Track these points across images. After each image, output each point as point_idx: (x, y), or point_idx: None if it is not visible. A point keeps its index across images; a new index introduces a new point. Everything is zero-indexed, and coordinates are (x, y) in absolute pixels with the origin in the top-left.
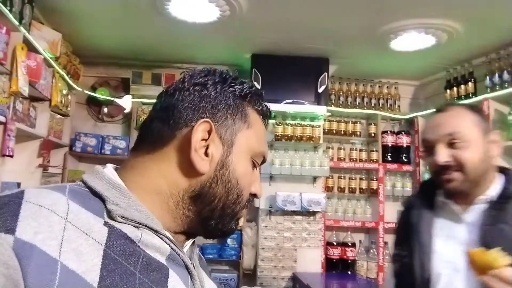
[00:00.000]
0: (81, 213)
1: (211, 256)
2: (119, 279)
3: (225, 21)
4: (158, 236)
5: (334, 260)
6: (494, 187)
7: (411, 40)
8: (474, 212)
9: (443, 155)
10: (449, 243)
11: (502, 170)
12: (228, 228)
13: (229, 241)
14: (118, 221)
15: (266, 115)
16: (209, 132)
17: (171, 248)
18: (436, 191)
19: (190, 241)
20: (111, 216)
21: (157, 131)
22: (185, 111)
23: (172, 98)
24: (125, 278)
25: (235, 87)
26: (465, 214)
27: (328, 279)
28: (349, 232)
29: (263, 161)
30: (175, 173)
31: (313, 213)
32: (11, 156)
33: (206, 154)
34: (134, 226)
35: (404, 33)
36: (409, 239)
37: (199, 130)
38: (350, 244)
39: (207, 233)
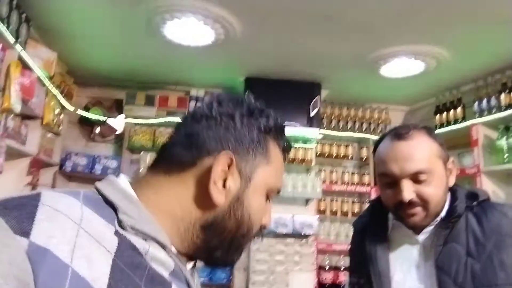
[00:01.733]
0: (94, 220)
1: (201, 279)
2: None
3: (220, 45)
4: (165, 251)
5: (327, 285)
6: (445, 207)
7: (401, 66)
8: (428, 233)
9: (409, 192)
10: (407, 268)
11: (450, 187)
12: (230, 259)
13: None
14: (128, 232)
15: (286, 150)
16: (229, 165)
17: (175, 263)
18: (388, 214)
19: (191, 264)
20: (121, 226)
21: (178, 155)
22: (208, 140)
23: (198, 125)
24: None
25: (260, 120)
26: (419, 236)
27: None
28: (342, 256)
29: (279, 191)
30: (190, 200)
31: (305, 236)
32: (0, 173)
33: (224, 186)
34: (143, 238)
35: (394, 58)
36: (365, 266)
37: (221, 162)
38: (342, 269)
39: (210, 261)
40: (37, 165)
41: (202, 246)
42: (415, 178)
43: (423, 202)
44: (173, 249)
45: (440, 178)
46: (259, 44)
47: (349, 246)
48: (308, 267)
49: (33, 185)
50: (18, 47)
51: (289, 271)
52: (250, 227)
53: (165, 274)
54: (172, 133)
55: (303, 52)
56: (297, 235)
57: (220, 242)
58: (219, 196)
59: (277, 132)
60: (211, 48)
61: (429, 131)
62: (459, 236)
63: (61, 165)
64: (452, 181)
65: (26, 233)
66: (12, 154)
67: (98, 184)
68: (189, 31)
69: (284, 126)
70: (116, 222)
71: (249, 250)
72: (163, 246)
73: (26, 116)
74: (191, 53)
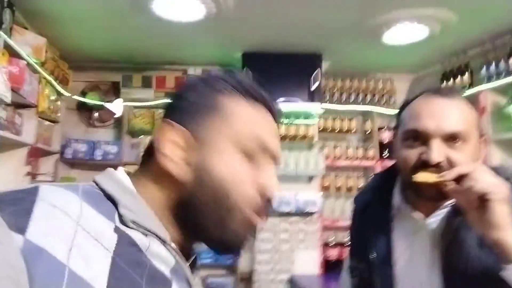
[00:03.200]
0: (93, 217)
1: (207, 261)
2: None
3: (212, 20)
4: (165, 247)
5: (332, 261)
6: None
7: (404, 32)
8: (437, 218)
9: (439, 153)
10: (411, 254)
11: None
12: (228, 241)
13: None
14: (129, 227)
15: (256, 98)
16: (183, 137)
17: (176, 260)
18: (393, 190)
19: (192, 256)
20: (122, 221)
21: (151, 143)
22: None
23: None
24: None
25: (215, 84)
26: (426, 221)
27: (326, 281)
28: (347, 232)
29: (273, 156)
30: (159, 185)
31: (309, 214)
32: None
33: (183, 160)
34: (143, 233)
35: (397, 24)
36: (365, 251)
37: (164, 131)
38: (347, 245)
39: (210, 245)
40: (36, 154)
41: (192, 229)
42: (449, 139)
43: (452, 167)
44: (173, 244)
45: (473, 149)
46: (254, 16)
47: (349, 226)
48: (313, 245)
49: (33, 174)
50: (2, 34)
51: (294, 249)
52: (225, 194)
53: (166, 271)
54: None
55: (301, 22)
56: (301, 213)
57: (203, 222)
58: (177, 170)
59: (236, 85)
60: (204, 23)
61: (468, 100)
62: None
63: (62, 153)
64: (482, 157)
65: (21, 230)
66: (8, 145)
67: (98, 178)
68: (179, 7)
69: (243, 77)
70: (116, 217)
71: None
72: (163, 242)
73: (19, 105)
74: (184, 30)
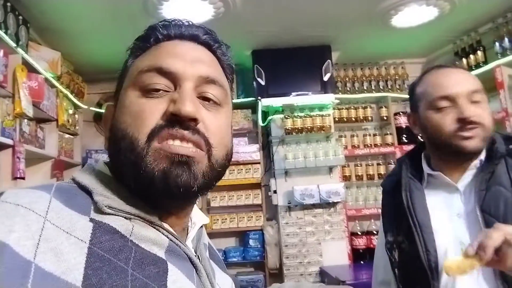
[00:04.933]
0: (62, 211)
1: (234, 259)
2: (107, 277)
3: (221, 19)
4: (154, 228)
5: (361, 250)
6: (483, 151)
7: (413, 15)
8: (467, 179)
9: (471, 110)
10: (448, 216)
11: None
12: (157, 177)
13: (251, 242)
14: (106, 213)
15: (145, 41)
16: (109, 112)
17: (170, 240)
18: (422, 164)
19: (193, 232)
20: (98, 209)
21: None
22: None
23: None
24: (114, 275)
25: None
26: (458, 183)
27: (356, 270)
28: (372, 220)
29: (169, 68)
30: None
31: (333, 204)
32: (23, 178)
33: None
34: (125, 217)
35: (405, 7)
36: (403, 222)
37: (104, 116)
38: (375, 232)
39: (150, 194)
40: (60, 167)
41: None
42: (472, 98)
43: (480, 122)
44: (165, 224)
45: (487, 106)
46: (261, 13)
47: (381, 208)
48: (340, 235)
49: None
50: (20, 50)
51: (321, 241)
52: (127, 135)
53: (160, 252)
54: None
55: (308, 15)
56: (325, 204)
57: (128, 177)
58: (105, 142)
59: (137, 43)
60: (213, 23)
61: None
62: (502, 178)
63: (83, 164)
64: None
65: None
66: (33, 159)
67: (75, 173)
68: (187, 9)
69: (145, 32)
70: (92, 207)
71: (279, 225)
72: (150, 223)
73: (40, 120)
74: None
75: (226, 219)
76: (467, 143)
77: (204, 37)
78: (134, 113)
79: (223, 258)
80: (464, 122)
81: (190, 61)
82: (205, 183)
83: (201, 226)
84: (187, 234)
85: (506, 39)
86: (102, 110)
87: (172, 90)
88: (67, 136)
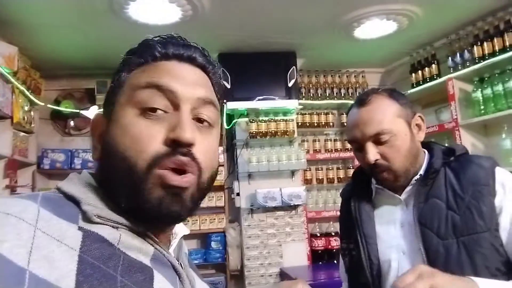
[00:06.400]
0: (52, 220)
1: (196, 261)
2: (98, 283)
3: (188, 22)
4: (140, 237)
5: (320, 251)
6: (423, 165)
7: (374, 27)
8: (409, 192)
9: (373, 154)
10: (392, 228)
11: (427, 145)
12: (152, 205)
13: (213, 244)
14: (94, 222)
15: (141, 53)
16: (98, 122)
17: (155, 248)
18: (369, 179)
19: (175, 241)
20: (86, 218)
21: None
22: None
23: None
24: (105, 282)
25: (120, 64)
26: (402, 195)
27: (315, 270)
28: (331, 222)
29: (168, 86)
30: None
31: (295, 207)
32: None
33: (97, 143)
34: (112, 226)
35: (367, 20)
36: (353, 231)
37: (92, 126)
38: (333, 234)
39: (140, 217)
40: (13, 166)
41: (124, 210)
42: (377, 140)
43: (388, 162)
44: (150, 233)
45: (402, 136)
46: (229, 17)
47: (339, 215)
48: (300, 237)
49: (12, 187)
50: None
51: (282, 242)
52: (127, 157)
53: (145, 260)
54: None
55: (275, 20)
56: (287, 207)
57: (120, 196)
58: (93, 153)
59: (133, 57)
60: (180, 25)
61: (390, 92)
62: (439, 191)
63: (39, 164)
64: (421, 136)
65: None
66: None
67: (60, 183)
68: (155, 10)
69: (142, 45)
70: (80, 216)
71: (241, 227)
72: (136, 232)
73: None
74: (159, 33)
75: (188, 221)
76: (383, 181)
77: (200, 59)
78: (133, 136)
79: None
80: (370, 166)
81: (189, 83)
82: (193, 206)
83: (182, 237)
84: (170, 243)
85: (458, 55)
86: (60, 108)
87: (171, 111)
88: (22, 134)
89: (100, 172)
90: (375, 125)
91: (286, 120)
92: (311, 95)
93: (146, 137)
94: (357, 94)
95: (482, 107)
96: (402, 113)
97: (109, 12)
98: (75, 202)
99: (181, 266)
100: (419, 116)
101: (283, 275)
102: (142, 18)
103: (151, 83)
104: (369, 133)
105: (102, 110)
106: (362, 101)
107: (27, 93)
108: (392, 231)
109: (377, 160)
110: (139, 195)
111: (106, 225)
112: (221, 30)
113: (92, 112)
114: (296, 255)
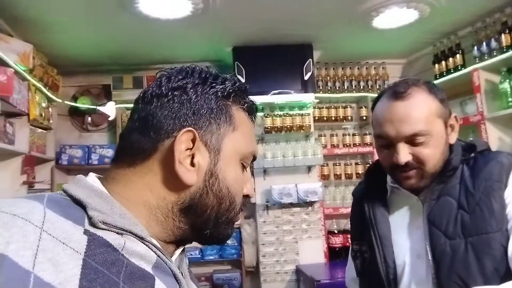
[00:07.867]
0: (58, 222)
1: (211, 257)
2: None
3: (200, 15)
4: (144, 244)
5: (337, 249)
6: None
7: (394, 16)
8: (427, 191)
9: (405, 155)
10: (407, 229)
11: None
12: (224, 235)
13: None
14: (100, 228)
15: (252, 111)
16: (193, 141)
17: (158, 256)
18: (384, 177)
19: (179, 250)
20: (92, 223)
21: (137, 144)
22: (165, 120)
23: (150, 106)
24: (107, 287)
25: (217, 87)
26: (420, 195)
27: (332, 268)
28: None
29: (253, 159)
30: (161, 187)
31: (311, 203)
32: None
33: (192, 164)
34: (117, 233)
35: (386, 9)
36: (366, 233)
37: (182, 140)
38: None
39: (202, 241)
40: (31, 162)
41: (188, 229)
42: (412, 140)
43: (419, 164)
44: (154, 241)
45: (439, 138)
46: (242, 10)
47: (350, 216)
48: (317, 234)
49: (29, 183)
50: None
51: (298, 239)
52: (232, 200)
53: (147, 267)
54: (128, 120)
55: (290, 13)
56: (303, 203)
57: (205, 221)
58: (188, 175)
59: (238, 95)
60: (192, 19)
61: (430, 87)
62: (453, 189)
63: (57, 160)
64: (453, 139)
65: None
66: (1, 155)
67: (65, 186)
68: (165, 4)
69: (245, 88)
70: (86, 220)
71: (256, 223)
72: (141, 239)
73: (9, 114)
74: (172, 27)
75: None
76: (405, 182)
77: None
78: (239, 188)
79: (199, 256)
80: (397, 166)
81: None
82: None
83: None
84: (174, 251)
85: (484, 44)
86: (78, 104)
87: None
88: (39, 130)
89: (192, 196)
90: (413, 124)
91: (302, 115)
92: (329, 88)
93: (244, 185)
94: (377, 87)
95: (510, 99)
96: (442, 112)
97: (120, 8)
98: (81, 205)
99: (182, 275)
100: (455, 116)
101: (299, 273)
102: (153, 13)
103: (253, 153)
104: (404, 133)
105: (191, 122)
106: (399, 94)
107: (44, 90)
108: (408, 233)
109: (408, 161)
110: (228, 229)
111: (111, 231)
112: (233, 23)
113: (109, 107)
114: (313, 252)
